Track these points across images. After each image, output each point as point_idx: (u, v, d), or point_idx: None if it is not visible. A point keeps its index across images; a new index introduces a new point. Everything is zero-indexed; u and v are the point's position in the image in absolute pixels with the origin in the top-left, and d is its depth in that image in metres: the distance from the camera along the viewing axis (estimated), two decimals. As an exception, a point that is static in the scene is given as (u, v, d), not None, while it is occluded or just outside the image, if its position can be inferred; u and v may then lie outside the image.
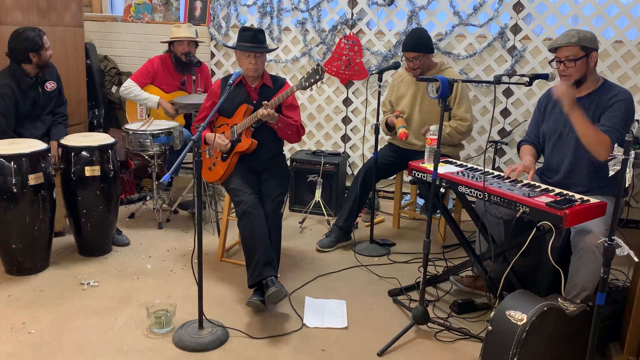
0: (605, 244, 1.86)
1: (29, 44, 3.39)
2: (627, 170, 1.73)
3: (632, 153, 1.74)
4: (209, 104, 3.27)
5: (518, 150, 3.00)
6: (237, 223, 2.95)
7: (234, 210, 3.09)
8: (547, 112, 2.85)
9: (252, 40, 3.06)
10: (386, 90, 3.87)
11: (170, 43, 4.13)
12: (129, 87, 4.07)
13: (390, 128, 3.65)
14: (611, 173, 1.79)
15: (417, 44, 3.48)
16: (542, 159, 2.93)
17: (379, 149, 3.60)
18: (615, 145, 1.80)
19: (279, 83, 3.23)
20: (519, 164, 2.75)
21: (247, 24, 4.74)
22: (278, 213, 3.02)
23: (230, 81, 2.69)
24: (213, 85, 3.30)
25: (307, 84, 2.93)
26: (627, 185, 1.76)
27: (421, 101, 3.59)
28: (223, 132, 3.18)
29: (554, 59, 2.65)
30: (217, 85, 3.25)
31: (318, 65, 2.90)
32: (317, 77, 2.89)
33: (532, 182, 2.59)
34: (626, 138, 1.70)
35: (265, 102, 2.99)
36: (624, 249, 1.84)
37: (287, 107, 3.19)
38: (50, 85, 3.63)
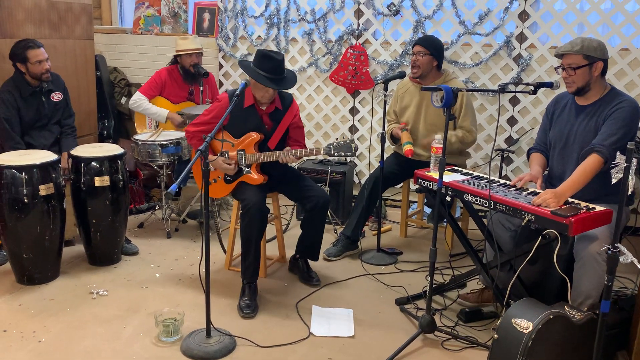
0: (609, 252, 1.86)
1: (12, 54, 3.46)
2: (630, 177, 1.74)
3: (634, 161, 1.75)
4: (210, 116, 3.12)
5: (528, 157, 3.00)
6: (240, 216, 3.03)
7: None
8: (554, 119, 2.85)
9: (274, 72, 2.91)
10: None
11: (179, 55, 4.19)
12: (138, 101, 4.12)
13: (396, 139, 3.66)
14: (614, 181, 1.79)
15: (427, 40, 3.52)
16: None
17: (385, 158, 3.61)
18: (618, 153, 1.80)
19: (287, 102, 3.18)
20: (526, 173, 2.75)
21: (255, 35, 4.78)
22: (325, 206, 3.19)
23: (237, 92, 2.68)
24: (221, 102, 3.12)
25: (335, 153, 2.91)
26: (629, 192, 1.77)
27: (426, 111, 3.57)
28: (228, 151, 3.12)
29: (560, 65, 2.67)
30: (226, 102, 3.07)
31: (352, 141, 2.88)
32: (349, 153, 2.89)
33: (538, 190, 2.59)
34: (628, 146, 1.71)
35: (290, 149, 3.03)
36: (627, 257, 1.84)
37: (293, 128, 3.22)
38: (56, 96, 3.68)
